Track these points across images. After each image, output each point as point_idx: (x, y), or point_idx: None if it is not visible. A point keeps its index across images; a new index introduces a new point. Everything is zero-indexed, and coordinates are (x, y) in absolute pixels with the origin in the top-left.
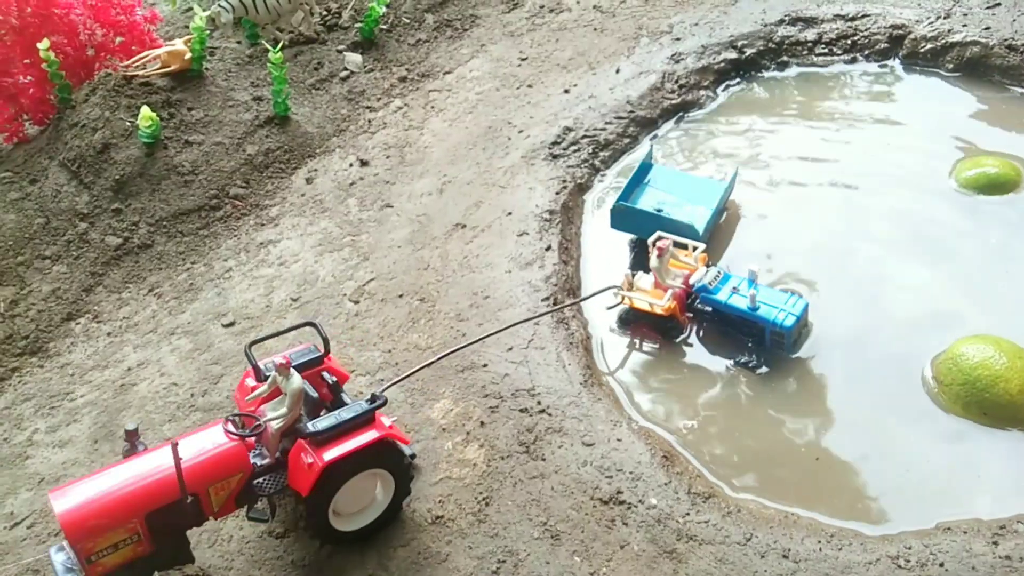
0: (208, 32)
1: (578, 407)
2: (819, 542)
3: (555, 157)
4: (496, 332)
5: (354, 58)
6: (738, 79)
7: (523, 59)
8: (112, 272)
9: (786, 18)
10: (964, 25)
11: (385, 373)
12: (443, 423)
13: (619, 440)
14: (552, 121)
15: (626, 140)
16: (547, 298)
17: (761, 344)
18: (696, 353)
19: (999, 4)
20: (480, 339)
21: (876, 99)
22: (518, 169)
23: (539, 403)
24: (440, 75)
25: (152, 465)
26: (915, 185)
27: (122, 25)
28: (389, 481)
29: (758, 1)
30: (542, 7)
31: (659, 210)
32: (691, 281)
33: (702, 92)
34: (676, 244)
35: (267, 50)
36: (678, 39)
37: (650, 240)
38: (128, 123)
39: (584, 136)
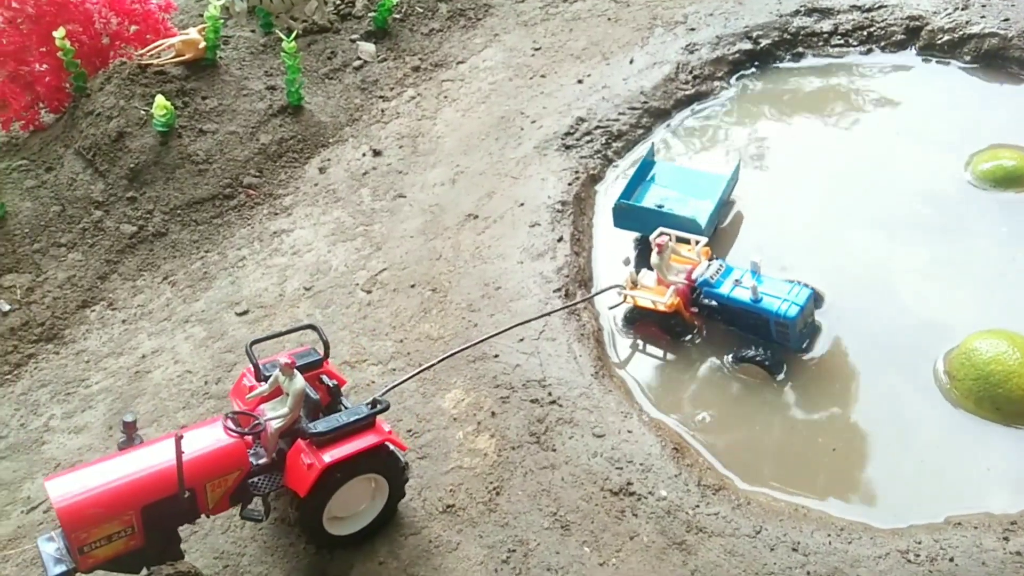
0: (222, 21)
1: (589, 398)
2: (829, 535)
3: (568, 148)
4: (487, 338)
5: (367, 47)
6: (753, 70)
7: (536, 49)
8: (127, 260)
9: (802, 8)
10: (982, 16)
11: (397, 363)
12: (454, 413)
13: (630, 432)
14: (565, 111)
15: (639, 131)
16: (559, 289)
17: (768, 339)
18: (708, 346)
19: None
20: (475, 343)
21: (892, 91)
22: (531, 160)
23: (550, 394)
24: (453, 65)
25: (151, 458)
26: (930, 178)
27: (137, 14)
28: (383, 487)
29: None
30: None
31: (660, 206)
32: (693, 276)
33: (716, 83)
34: (679, 239)
35: (281, 39)
36: (693, 29)
37: (651, 237)
38: (143, 112)
39: (597, 127)
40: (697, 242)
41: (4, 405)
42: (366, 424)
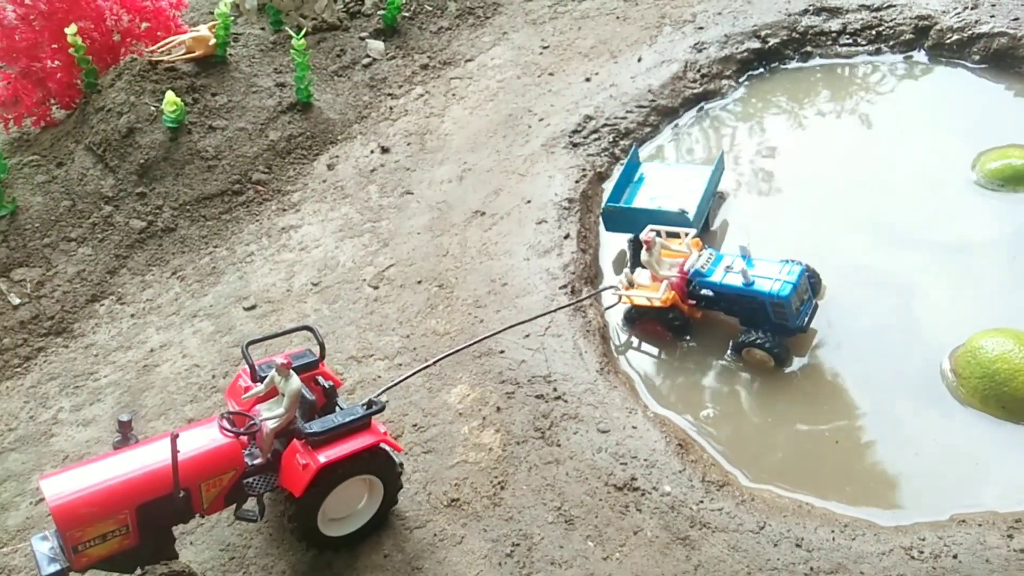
0: (232, 18)
1: (594, 394)
2: (832, 531)
3: (575, 145)
4: (486, 337)
5: (376, 45)
6: (761, 69)
7: (545, 47)
8: (136, 255)
9: (810, 8)
10: (992, 16)
11: (403, 358)
12: (460, 408)
13: (634, 427)
14: (573, 109)
15: (647, 129)
16: (565, 286)
17: (768, 324)
18: (712, 342)
19: None
20: (469, 344)
21: (900, 91)
22: (538, 157)
23: (555, 390)
24: (461, 63)
25: (146, 457)
26: (938, 177)
27: (148, 11)
28: (378, 489)
29: None
30: None
31: (652, 204)
32: (685, 268)
33: (724, 82)
34: (669, 234)
35: (290, 36)
36: (701, 28)
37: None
38: (153, 108)
39: (605, 125)
40: (686, 234)
41: (13, 398)
42: (361, 425)
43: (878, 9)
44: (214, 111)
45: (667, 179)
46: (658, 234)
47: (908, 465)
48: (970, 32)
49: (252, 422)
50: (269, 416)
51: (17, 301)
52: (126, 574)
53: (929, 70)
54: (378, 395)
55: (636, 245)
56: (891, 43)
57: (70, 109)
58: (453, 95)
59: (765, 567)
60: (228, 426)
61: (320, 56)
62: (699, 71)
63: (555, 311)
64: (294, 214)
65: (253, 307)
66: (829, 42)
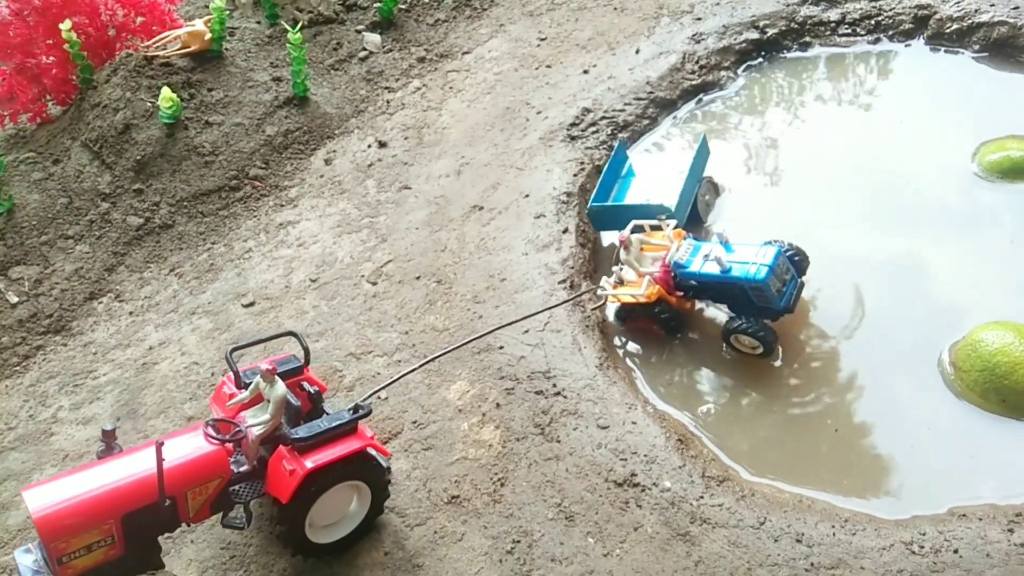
0: (228, 12)
1: (593, 390)
2: (833, 526)
3: (573, 139)
4: (467, 342)
5: (373, 38)
6: (760, 60)
7: (542, 39)
8: (134, 252)
9: None
10: (992, 4)
11: (402, 354)
12: (459, 404)
13: (634, 423)
14: (571, 102)
15: (645, 121)
16: (564, 281)
17: (754, 308)
18: (711, 336)
19: None
20: (461, 345)
21: (900, 81)
22: (536, 151)
23: (555, 385)
24: (459, 55)
25: (131, 466)
26: (937, 168)
27: (143, 5)
28: (365, 495)
29: None
30: None
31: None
32: (666, 260)
33: (723, 73)
34: (653, 227)
35: (286, 30)
36: (699, 19)
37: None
38: (149, 104)
39: (603, 117)
40: (668, 226)
41: (13, 396)
42: (348, 429)
43: None
44: (210, 106)
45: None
46: (642, 228)
47: (908, 458)
48: (970, 21)
49: (237, 429)
50: (254, 423)
51: (15, 299)
52: None
53: (929, 60)
54: (366, 399)
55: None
56: (890, 32)
57: (66, 105)
58: (450, 88)
59: (765, 563)
60: (213, 433)
61: (316, 50)
62: (697, 62)
63: (539, 312)
64: (292, 210)
65: (252, 304)
66: (828, 32)
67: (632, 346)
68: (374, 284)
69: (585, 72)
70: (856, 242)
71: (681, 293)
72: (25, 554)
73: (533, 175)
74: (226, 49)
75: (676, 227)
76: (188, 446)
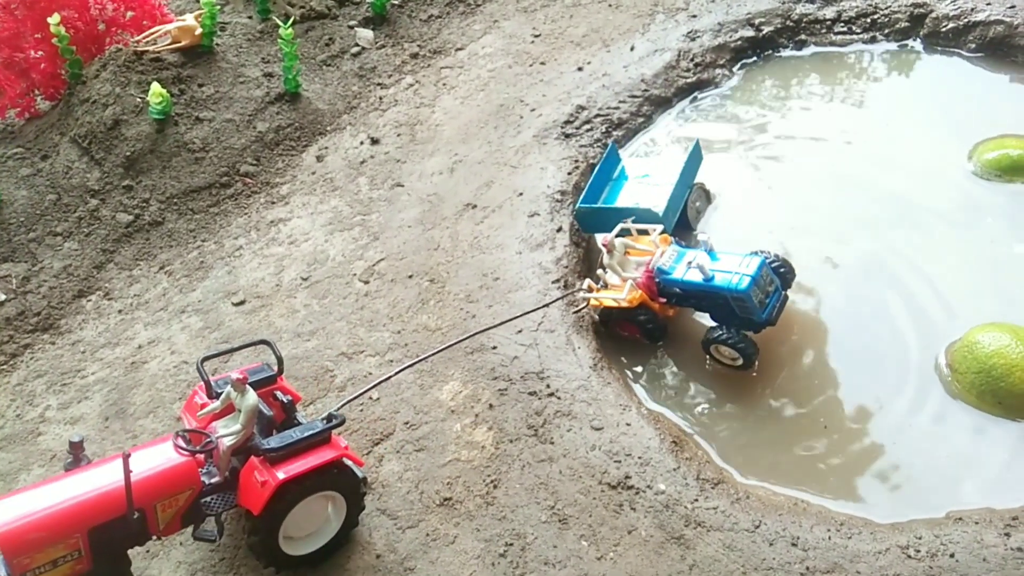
0: (219, 7)
1: (587, 391)
2: (828, 530)
3: (567, 136)
4: (453, 344)
5: (365, 34)
6: (755, 58)
7: (536, 36)
8: (123, 249)
9: None
10: (988, 3)
11: (394, 354)
12: (452, 405)
13: (628, 424)
14: (565, 99)
15: (640, 119)
16: (557, 280)
17: (736, 319)
18: (696, 342)
19: None
20: (447, 347)
21: (895, 80)
22: (530, 148)
23: (548, 386)
24: (452, 52)
25: (98, 479)
26: (934, 167)
27: (133, 0)
28: (340, 505)
29: None
30: None
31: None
32: (650, 266)
33: (718, 71)
34: (640, 232)
35: (278, 25)
36: (694, 16)
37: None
38: (139, 99)
39: (597, 115)
40: (654, 231)
41: (0, 395)
42: (321, 439)
43: None
44: (201, 102)
45: (642, 176)
46: (629, 232)
47: (904, 461)
48: (966, 20)
49: (208, 440)
50: (226, 433)
51: (2, 297)
52: None
53: (925, 59)
54: (340, 407)
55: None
56: (886, 31)
57: (54, 100)
58: (444, 85)
59: (761, 567)
60: (183, 444)
61: (308, 45)
62: (693, 60)
63: (527, 313)
64: (283, 207)
65: (242, 302)
66: (824, 30)
67: (626, 346)
68: (366, 283)
69: (579, 69)
70: (851, 241)
71: (664, 300)
72: None
73: (527, 173)
74: (217, 44)
75: (663, 232)
76: (157, 457)
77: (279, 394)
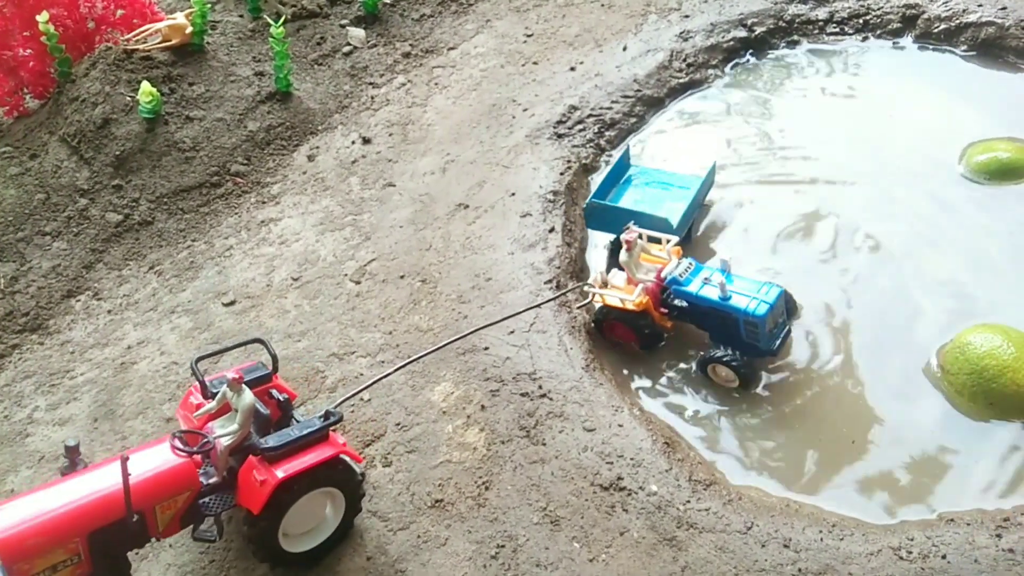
0: (209, 5)
1: (580, 392)
2: (820, 531)
3: (560, 136)
4: (443, 345)
5: (357, 33)
6: (748, 58)
7: (529, 35)
8: (112, 249)
9: None
10: (979, 4)
11: (386, 355)
12: (444, 406)
13: (620, 426)
14: (557, 99)
15: (632, 119)
16: (550, 281)
17: (739, 342)
18: (699, 340)
19: None
20: (442, 346)
21: (887, 80)
22: (522, 148)
23: (540, 387)
24: (444, 51)
25: (96, 482)
26: (925, 169)
27: None
28: (339, 501)
29: None
30: None
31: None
32: (663, 275)
33: (711, 71)
34: (650, 239)
35: (269, 24)
36: (687, 16)
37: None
38: (128, 98)
39: (590, 115)
40: (668, 241)
41: None
42: (319, 437)
43: None
44: (191, 101)
45: (655, 182)
46: (640, 236)
47: (895, 462)
48: (958, 21)
49: (205, 440)
50: (222, 433)
51: None
52: None
53: (917, 59)
54: (338, 404)
55: (616, 246)
56: (878, 32)
57: (43, 99)
58: (436, 84)
59: (753, 568)
60: (180, 445)
61: (300, 44)
62: (685, 60)
63: (522, 312)
64: (274, 207)
65: (232, 303)
66: (816, 31)
67: (619, 347)
68: (357, 283)
69: (572, 69)
70: (842, 243)
71: (665, 311)
72: None
73: (519, 173)
74: (208, 43)
75: (675, 244)
76: (155, 459)
77: (275, 392)
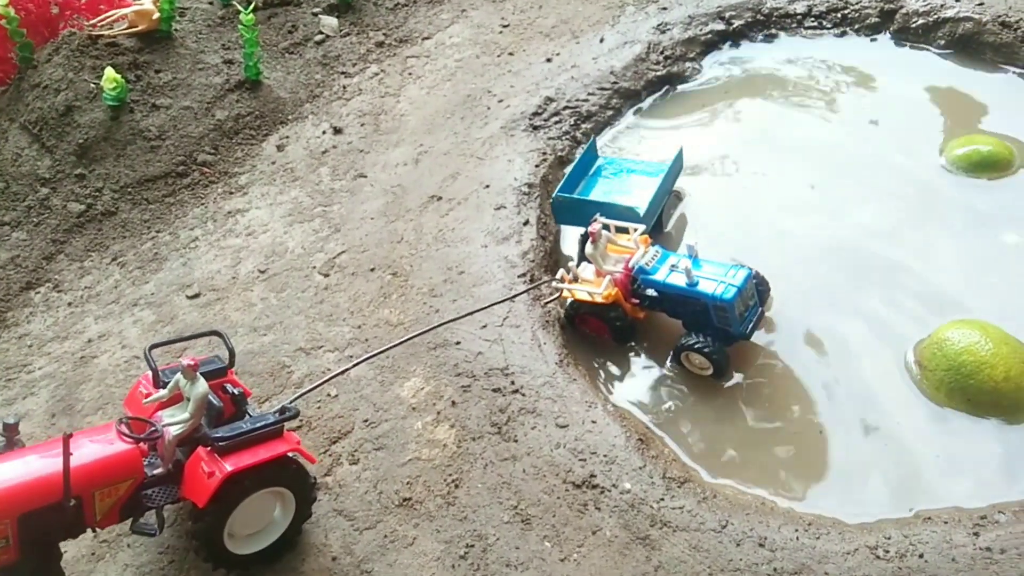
0: None
1: (553, 387)
2: (796, 530)
3: (535, 128)
4: (430, 328)
5: (330, 21)
6: (725, 51)
7: (505, 26)
8: (74, 240)
9: None
10: (957, 0)
11: (354, 349)
12: (413, 402)
13: (594, 422)
14: (533, 91)
15: (609, 112)
16: (524, 274)
17: (711, 329)
18: (674, 334)
19: None
20: (410, 338)
21: (865, 75)
22: (497, 140)
23: (513, 383)
24: (418, 40)
25: (32, 462)
26: (904, 163)
27: None
28: (290, 503)
29: None
30: None
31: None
32: (630, 264)
33: (688, 64)
34: (618, 229)
35: (239, 11)
36: (664, 8)
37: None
38: (92, 85)
39: (566, 107)
40: (635, 230)
41: None
42: (273, 432)
43: None
44: (158, 89)
45: (623, 173)
46: (606, 227)
47: (872, 460)
48: (935, 16)
49: (153, 428)
50: (172, 422)
51: None
52: None
53: (895, 54)
54: (292, 400)
55: (587, 238)
56: (856, 26)
57: (4, 85)
58: (409, 74)
59: (727, 568)
60: (127, 431)
61: (270, 32)
62: (662, 53)
63: (492, 305)
64: (241, 197)
65: (197, 295)
66: (794, 24)
67: (593, 341)
68: (326, 276)
69: (548, 60)
70: (820, 238)
71: (637, 301)
72: None
73: (494, 165)
74: (175, 29)
75: (643, 233)
76: (98, 443)
77: (229, 387)
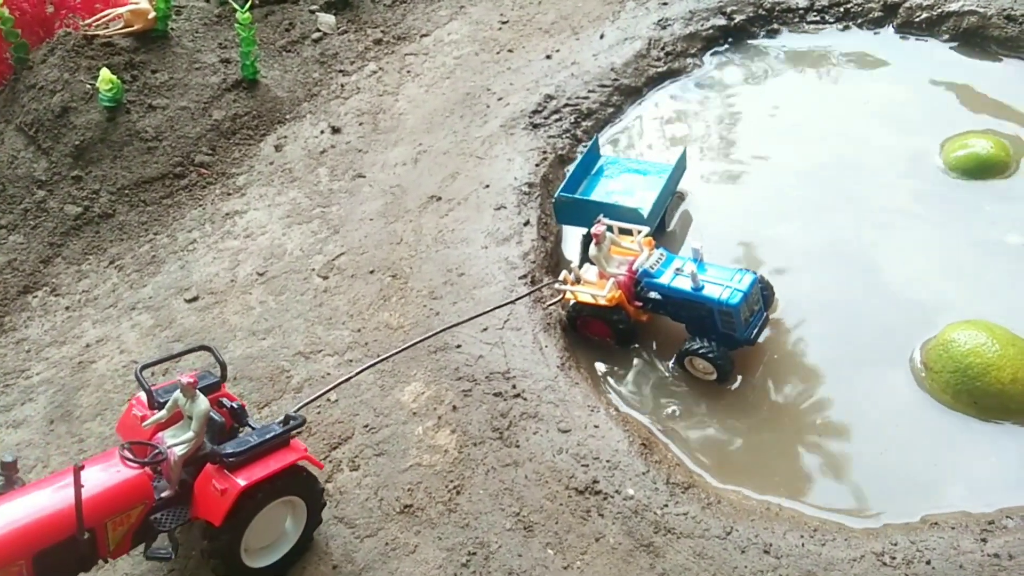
0: None
1: (554, 391)
2: (802, 536)
3: (535, 126)
4: (432, 334)
5: (327, 19)
6: (727, 46)
7: (504, 22)
8: (71, 243)
9: None
10: None
11: (354, 353)
12: (414, 407)
13: (596, 427)
14: (533, 88)
15: (610, 109)
16: (525, 276)
17: (716, 333)
18: (677, 338)
19: None
20: (407, 347)
21: (868, 70)
22: (497, 139)
23: (514, 387)
24: (417, 38)
25: (41, 499)
26: (907, 162)
27: None
28: (301, 512)
29: None
30: None
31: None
32: (634, 267)
33: (689, 60)
34: (621, 231)
35: (235, 9)
36: (665, 3)
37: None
38: (88, 86)
39: (566, 105)
40: (639, 232)
41: None
42: (281, 442)
43: None
44: (154, 89)
45: (625, 173)
46: (610, 229)
47: (878, 464)
48: (940, 10)
49: (157, 451)
50: (176, 442)
51: None
52: None
53: (898, 48)
54: (296, 410)
55: (588, 240)
56: (859, 20)
57: None
58: (408, 72)
59: (732, 575)
60: (131, 456)
61: (267, 30)
62: (663, 49)
63: (494, 309)
64: (239, 199)
65: (195, 299)
66: (796, 19)
67: (595, 344)
68: (325, 278)
69: (548, 57)
70: (823, 238)
71: (640, 304)
72: None
73: (494, 164)
74: (171, 29)
75: (647, 235)
76: (105, 471)
77: (225, 401)
